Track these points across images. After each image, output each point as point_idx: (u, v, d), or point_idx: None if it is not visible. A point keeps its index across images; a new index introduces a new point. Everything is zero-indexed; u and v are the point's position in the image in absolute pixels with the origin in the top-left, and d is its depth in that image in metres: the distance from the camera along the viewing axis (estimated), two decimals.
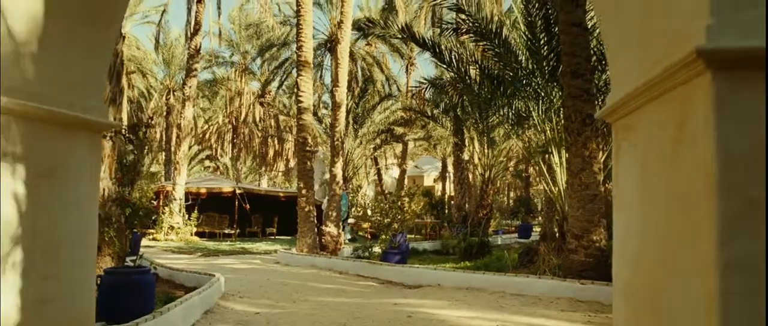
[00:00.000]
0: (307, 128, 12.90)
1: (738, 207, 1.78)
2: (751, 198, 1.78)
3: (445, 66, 10.99)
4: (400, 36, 11.81)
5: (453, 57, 10.92)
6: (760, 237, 1.76)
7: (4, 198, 2.72)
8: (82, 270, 3.31)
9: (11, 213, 2.76)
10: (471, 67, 11.56)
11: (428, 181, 38.75)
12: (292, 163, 30.29)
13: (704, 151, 1.86)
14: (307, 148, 12.88)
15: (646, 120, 2.40)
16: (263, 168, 29.28)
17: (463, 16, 10.06)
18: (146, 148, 6.50)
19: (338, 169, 14.01)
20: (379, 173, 27.72)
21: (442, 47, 10.98)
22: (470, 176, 21.39)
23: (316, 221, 13.45)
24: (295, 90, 13.44)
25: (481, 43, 10.61)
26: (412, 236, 22.70)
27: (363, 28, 16.90)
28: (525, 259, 10.91)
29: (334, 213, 13.51)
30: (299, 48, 13.10)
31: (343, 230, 18.13)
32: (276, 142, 27.84)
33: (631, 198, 2.64)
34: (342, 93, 13.57)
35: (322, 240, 13.18)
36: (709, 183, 1.83)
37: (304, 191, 12.84)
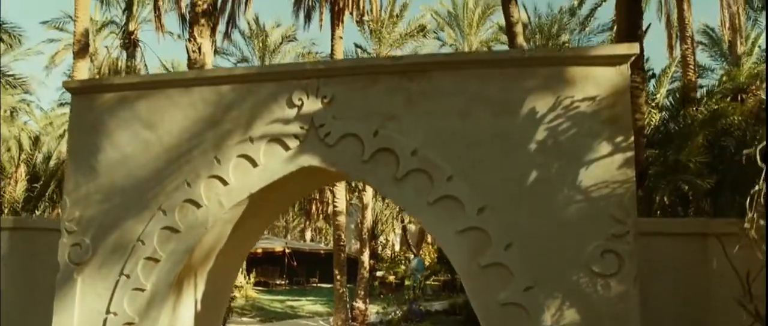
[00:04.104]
0: (341, 227, 14.44)
1: None
2: None
3: None
4: None
5: None
6: None
7: None
8: None
9: None
10: None
11: None
12: (330, 209, 32.00)
13: None
14: (341, 244, 14.41)
15: None
16: (307, 222, 31.18)
17: None
18: None
19: (366, 257, 15.49)
20: (404, 228, 29.20)
21: None
22: None
23: (347, 282, 14.60)
24: (331, 196, 15.05)
25: None
26: (430, 282, 24.02)
27: None
28: None
29: (363, 292, 14.93)
30: None
31: (420, 290, 19.42)
32: (318, 201, 29.59)
33: None
34: (368, 197, 15.12)
35: (353, 313, 14.61)
36: None
37: (338, 277, 14.32)
